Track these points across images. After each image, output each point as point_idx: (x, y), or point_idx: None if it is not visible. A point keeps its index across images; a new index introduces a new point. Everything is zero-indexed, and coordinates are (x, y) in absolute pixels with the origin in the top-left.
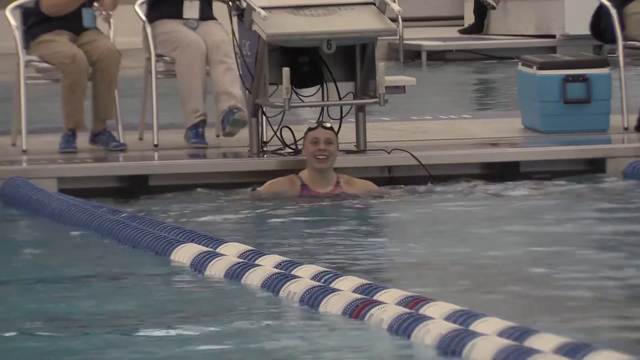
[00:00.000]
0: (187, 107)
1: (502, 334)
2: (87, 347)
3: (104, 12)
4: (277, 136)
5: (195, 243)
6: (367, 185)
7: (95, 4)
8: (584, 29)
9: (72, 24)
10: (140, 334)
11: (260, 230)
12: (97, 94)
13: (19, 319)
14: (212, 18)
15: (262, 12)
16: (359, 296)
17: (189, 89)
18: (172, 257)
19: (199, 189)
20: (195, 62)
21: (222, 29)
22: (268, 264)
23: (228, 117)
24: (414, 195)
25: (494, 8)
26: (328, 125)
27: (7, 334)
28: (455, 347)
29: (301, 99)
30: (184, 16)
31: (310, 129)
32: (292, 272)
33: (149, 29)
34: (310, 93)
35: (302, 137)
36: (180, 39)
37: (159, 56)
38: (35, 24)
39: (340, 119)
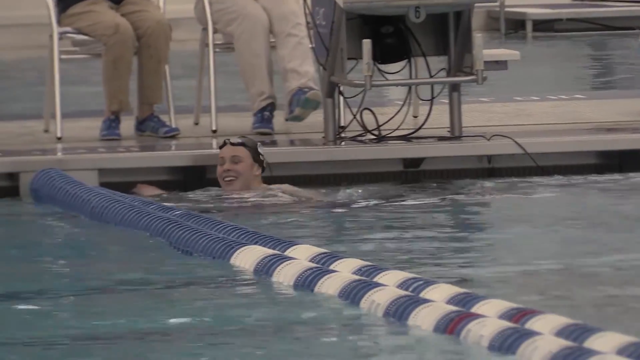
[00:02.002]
0: (250, 89)
1: (621, 351)
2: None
3: None
4: (356, 120)
5: (259, 245)
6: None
7: None
8: None
9: None
10: (196, 350)
11: (332, 231)
12: (143, 74)
13: (63, 332)
14: None
15: None
16: (455, 308)
17: (251, 69)
18: (232, 261)
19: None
20: (256, 38)
21: None
22: (346, 269)
23: (298, 97)
24: (512, 190)
25: None
26: (237, 140)
27: (53, 348)
28: None
29: (385, 77)
30: None
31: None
32: (375, 279)
33: None
34: (395, 69)
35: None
36: (237, 10)
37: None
38: None
39: (431, 100)
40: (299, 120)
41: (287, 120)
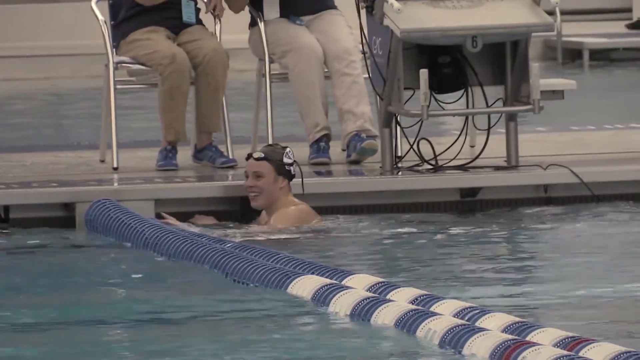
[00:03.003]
0: (305, 120)
1: None
2: None
3: (212, 12)
4: (413, 150)
5: (315, 275)
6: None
7: None
8: None
9: (170, 19)
10: None
11: (388, 260)
12: (201, 103)
13: None
14: (331, 7)
15: (396, 4)
16: (510, 337)
17: (305, 101)
18: (289, 290)
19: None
20: (310, 69)
21: (344, 28)
22: (402, 298)
23: (355, 143)
24: (569, 219)
25: None
26: (260, 154)
27: None
28: None
29: (442, 107)
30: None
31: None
32: (431, 308)
33: (262, 26)
34: (452, 99)
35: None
36: (291, 42)
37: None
38: (126, 18)
39: (488, 130)
40: (357, 164)
41: (345, 150)
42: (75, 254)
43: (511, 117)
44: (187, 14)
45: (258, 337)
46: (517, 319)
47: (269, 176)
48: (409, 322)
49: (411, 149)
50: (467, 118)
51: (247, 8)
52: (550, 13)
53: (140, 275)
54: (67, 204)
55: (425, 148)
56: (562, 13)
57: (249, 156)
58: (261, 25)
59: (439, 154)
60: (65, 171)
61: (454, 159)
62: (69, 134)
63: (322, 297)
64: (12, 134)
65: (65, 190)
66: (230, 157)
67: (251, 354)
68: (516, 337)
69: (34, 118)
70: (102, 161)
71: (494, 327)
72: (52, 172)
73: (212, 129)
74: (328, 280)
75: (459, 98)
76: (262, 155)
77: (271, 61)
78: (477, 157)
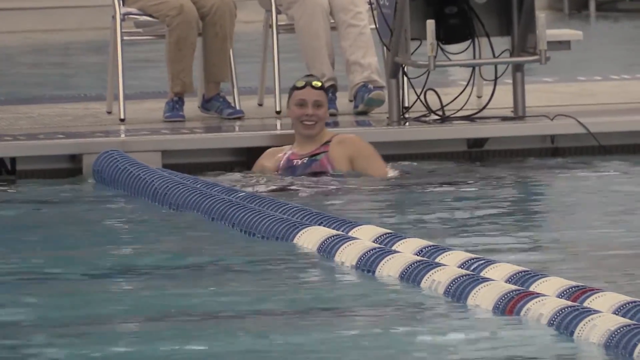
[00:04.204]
0: (311, 71)
1: None
2: (205, 341)
3: None
4: (420, 100)
5: (322, 226)
6: (360, 146)
7: None
8: None
9: None
10: (257, 331)
11: (395, 210)
12: (209, 53)
13: (126, 313)
14: None
15: None
16: (514, 287)
17: (311, 52)
18: (295, 241)
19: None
20: (315, 21)
21: None
22: (408, 249)
23: (362, 93)
24: (575, 169)
25: None
26: (318, 83)
27: (118, 330)
28: (625, 346)
29: (448, 57)
30: None
31: (296, 88)
32: (437, 259)
33: None
34: (459, 50)
35: (289, 93)
36: None
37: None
38: None
39: (495, 80)
40: (365, 114)
41: (352, 101)
42: (83, 205)
43: (518, 68)
44: None
45: (262, 288)
46: (521, 269)
47: (325, 106)
48: (413, 273)
49: (418, 100)
50: (474, 69)
51: None
52: None
53: (147, 226)
54: (74, 155)
55: (432, 99)
56: None
57: (305, 84)
58: None
59: (446, 105)
60: (72, 123)
61: (460, 109)
62: (76, 85)
63: (328, 248)
64: (19, 86)
65: (72, 141)
66: (237, 107)
67: (255, 304)
68: (520, 288)
69: (41, 70)
70: (109, 113)
71: (498, 277)
72: (59, 123)
73: (220, 78)
74: (334, 232)
75: (466, 49)
76: (321, 84)
77: (278, 12)
78: (484, 108)
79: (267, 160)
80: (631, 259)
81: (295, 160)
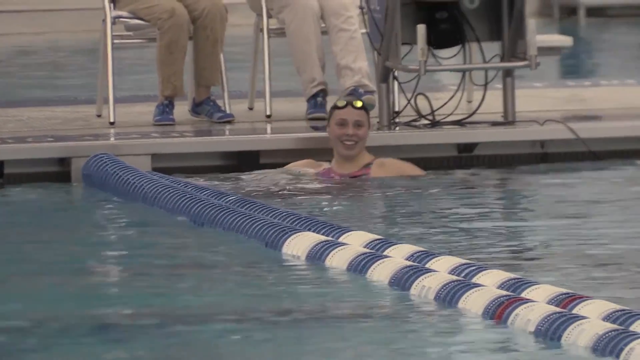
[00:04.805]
0: (302, 75)
1: None
2: (187, 345)
3: None
4: (411, 105)
5: (313, 232)
6: (403, 167)
7: None
8: None
9: None
10: (245, 333)
11: (386, 217)
12: (199, 56)
13: (105, 315)
14: None
15: None
16: (503, 293)
17: (302, 56)
18: (285, 247)
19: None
20: (306, 25)
21: None
22: (398, 255)
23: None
24: (565, 175)
25: None
26: (359, 104)
27: (101, 330)
28: (612, 350)
29: (439, 62)
30: None
31: (337, 107)
32: (427, 265)
33: None
34: (449, 55)
35: (330, 112)
36: None
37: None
38: None
39: (485, 85)
40: None
41: None
42: (72, 209)
43: (508, 73)
44: None
45: (251, 293)
46: (512, 275)
47: (366, 126)
48: (404, 279)
49: (408, 104)
50: (464, 73)
51: None
52: None
53: (136, 230)
54: (63, 159)
55: (422, 103)
56: None
57: (346, 104)
58: None
59: (436, 109)
60: (61, 126)
61: (451, 114)
62: (66, 88)
63: (319, 253)
64: (8, 89)
65: (61, 145)
66: (228, 111)
67: (243, 309)
68: (509, 294)
69: (31, 72)
70: (99, 116)
71: (490, 283)
72: (48, 126)
73: (211, 82)
74: (324, 237)
75: (457, 53)
76: (362, 104)
77: (269, 16)
78: (474, 113)
79: (306, 166)
80: (621, 266)
81: (334, 177)
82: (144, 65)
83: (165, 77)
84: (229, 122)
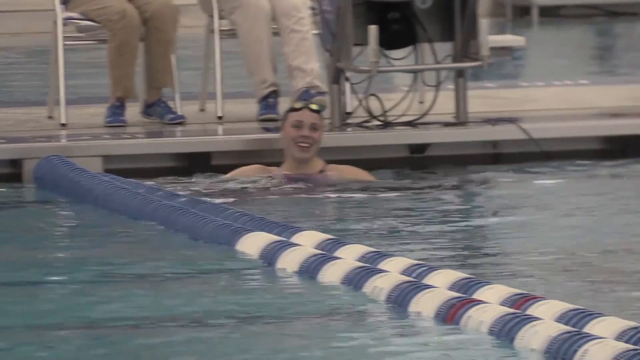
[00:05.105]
0: (253, 77)
1: (621, 336)
2: (139, 349)
3: None
4: (362, 106)
5: (265, 232)
6: (358, 173)
7: None
8: None
9: None
10: (199, 334)
11: (338, 217)
12: (151, 58)
13: (59, 320)
14: None
15: None
16: (456, 294)
17: (253, 57)
18: (238, 247)
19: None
20: (257, 26)
21: None
22: (350, 256)
23: (304, 99)
24: (517, 176)
25: None
26: (315, 107)
27: (47, 338)
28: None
29: (391, 63)
30: None
31: (293, 109)
32: (379, 266)
33: None
34: (401, 55)
35: (284, 115)
36: None
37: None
38: None
39: (437, 86)
40: None
41: None
42: (23, 211)
43: (460, 74)
44: None
45: (204, 293)
46: (465, 276)
47: (321, 130)
48: (355, 280)
49: (360, 105)
50: (416, 74)
51: None
52: None
53: (89, 232)
54: (15, 160)
55: (374, 104)
56: None
57: (302, 107)
58: None
59: (388, 110)
60: (12, 127)
61: (402, 115)
62: (17, 90)
63: (271, 254)
64: None
65: (12, 146)
66: (179, 113)
67: (195, 311)
68: (462, 295)
69: None
70: (50, 117)
71: (442, 284)
72: (0, 128)
73: (162, 84)
74: (277, 237)
75: (408, 54)
76: (318, 108)
77: (220, 17)
78: (426, 113)
79: (254, 173)
80: (573, 265)
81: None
82: (95, 67)
83: (116, 78)
84: (180, 123)
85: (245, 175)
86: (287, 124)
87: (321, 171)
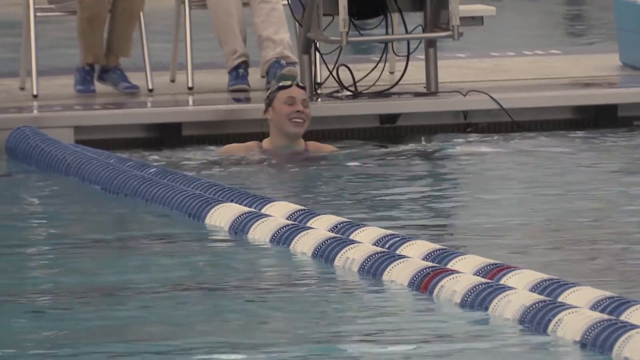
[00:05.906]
0: (223, 48)
1: (595, 305)
2: (110, 320)
3: None
4: (333, 76)
5: (235, 203)
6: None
7: None
8: None
9: None
10: (169, 305)
11: (308, 188)
12: (114, 26)
13: (29, 290)
14: None
15: None
16: (429, 264)
17: (223, 28)
18: (208, 219)
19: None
20: None
21: None
22: (322, 226)
23: (274, 69)
24: (487, 144)
25: None
26: (302, 83)
27: (19, 307)
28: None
29: (361, 33)
30: None
31: (283, 87)
32: (351, 236)
33: None
34: (371, 25)
35: (271, 94)
36: None
37: None
38: None
39: (408, 56)
40: None
41: (265, 77)
42: None
43: (430, 44)
44: None
45: (172, 261)
46: (438, 246)
47: (309, 107)
48: (327, 250)
49: (330, 76)
50: (386, 44)
51: None
52: None
53: (60, 203)
54: None
55: (344, 74)
56: None
57: (291, 84)
58: None
59: (359, 81)
60: None
61: (373, 85)
62: None
63: (242, 225)
64: None
65: None
66: (150, 84)
67: (165, 277)
68: (435, 265)
69: None
70: (22, 89)
71: (415, 254)
72: None
73: (122, 53)
74: (247, 209)
75: (378, 24)
76: (305, 85)
77: None
78: (396, 84)
79: (240, 151)
80: (545, 234)
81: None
82: (66, 39)
83: (86, 46)
84: (133, 93)
85: (237, 152)
86: (278, 101)
87: (305, 150)
